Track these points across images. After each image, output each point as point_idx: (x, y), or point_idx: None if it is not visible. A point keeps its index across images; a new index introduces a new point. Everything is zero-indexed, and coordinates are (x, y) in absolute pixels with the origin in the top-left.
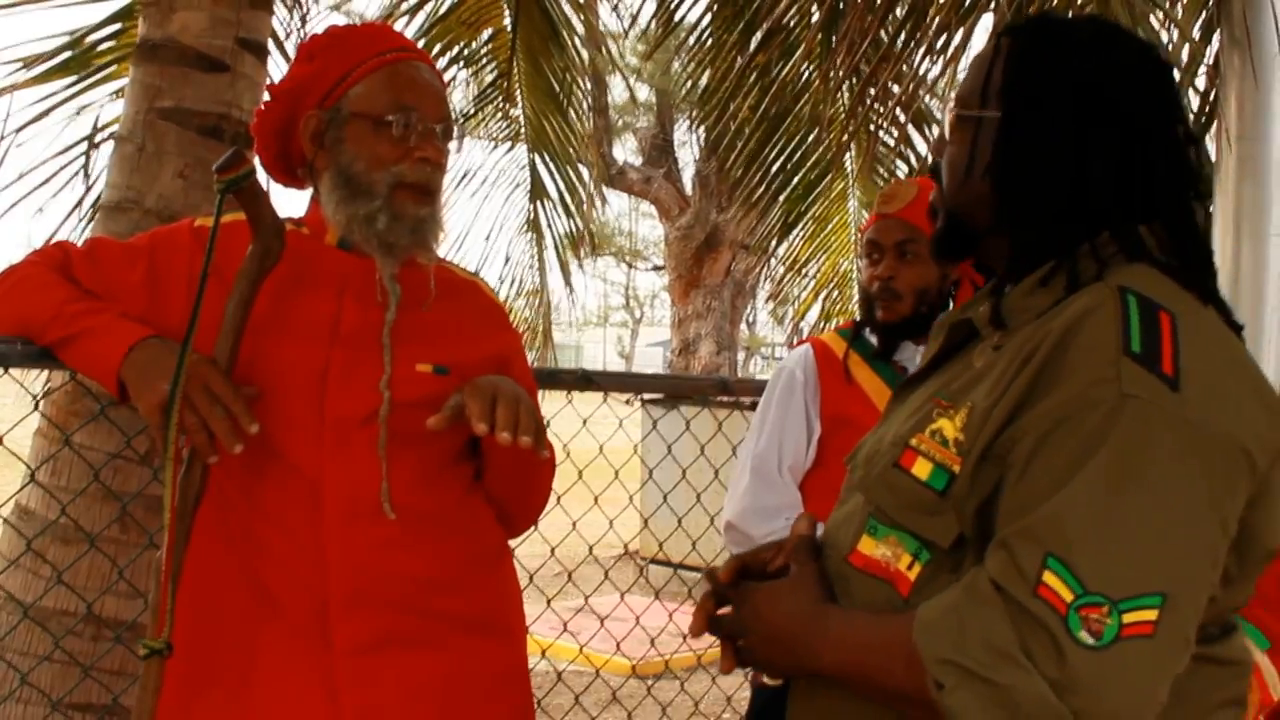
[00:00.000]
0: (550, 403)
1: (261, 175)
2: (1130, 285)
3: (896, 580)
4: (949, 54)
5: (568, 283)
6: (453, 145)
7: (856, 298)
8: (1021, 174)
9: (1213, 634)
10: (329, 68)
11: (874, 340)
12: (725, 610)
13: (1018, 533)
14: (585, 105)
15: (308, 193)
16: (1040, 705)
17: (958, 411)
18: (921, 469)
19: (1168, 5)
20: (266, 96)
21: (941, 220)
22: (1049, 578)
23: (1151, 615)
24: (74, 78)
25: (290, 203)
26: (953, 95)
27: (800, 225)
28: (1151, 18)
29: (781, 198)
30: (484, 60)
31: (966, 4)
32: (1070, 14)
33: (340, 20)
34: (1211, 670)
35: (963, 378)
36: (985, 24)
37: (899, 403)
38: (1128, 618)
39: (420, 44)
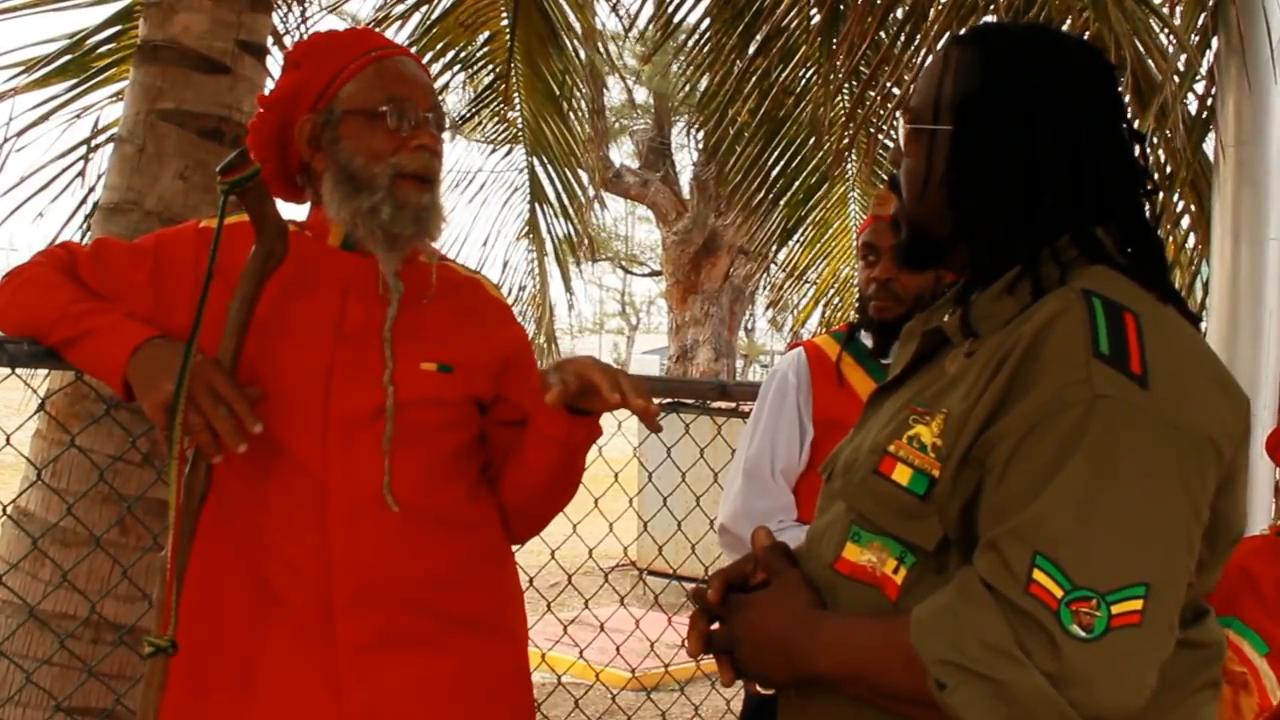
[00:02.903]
0: None
1: None
2: (1094, 288)
3: (884, 585)
4: None
5: (568, 288)
6: (446, 137)
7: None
8: (977, 189)
9: (1187, 618)
10: (318, 71)
11: (868, 342)
12: (717, 626)
13: (1005, 534)
14: (584, 107)
15: (305, 205)
16: (1038, 698)
17: (934, 417)
18: (901, 475)
19: (1165, 11)
20: (259, 109)
21: (904, 231)
22: (1039, 575)
23: (1137, 605)
24: (73, 80)
25: (290, 209)
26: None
27: (800, 230)
28: (1150, 23)
29: (781, 202)
30: (481, 63)
31: (966, 5)
32: (1053, 20)
33: (338, 22)
34: (1189, 654)
35: (937, 384)
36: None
37: (874, 410)
38: (1116, 609)
39: (417, 46)
